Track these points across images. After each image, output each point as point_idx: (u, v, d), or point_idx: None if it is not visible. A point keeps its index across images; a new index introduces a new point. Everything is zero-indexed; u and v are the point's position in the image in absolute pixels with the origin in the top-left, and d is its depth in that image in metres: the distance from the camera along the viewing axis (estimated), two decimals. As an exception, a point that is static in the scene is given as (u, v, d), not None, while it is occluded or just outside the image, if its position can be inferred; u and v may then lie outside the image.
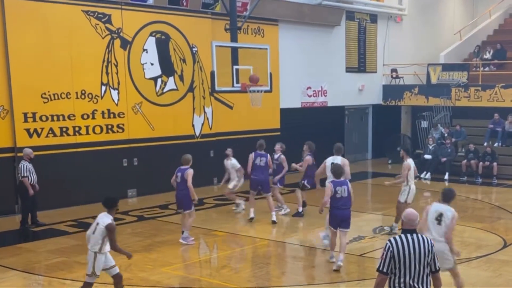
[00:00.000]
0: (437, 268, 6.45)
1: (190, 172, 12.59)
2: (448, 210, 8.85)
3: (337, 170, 11.30)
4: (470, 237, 13.78)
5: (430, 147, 22.47)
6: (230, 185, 15.56)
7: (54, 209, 15.88)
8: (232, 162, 15.60)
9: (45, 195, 15.00)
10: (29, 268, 11.38)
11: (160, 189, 17.61)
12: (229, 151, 15.88)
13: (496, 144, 22.38)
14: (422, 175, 21.53)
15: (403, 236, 6.38)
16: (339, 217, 11.12)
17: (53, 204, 15.88)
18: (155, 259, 11.88)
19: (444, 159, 21.79)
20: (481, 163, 21.24)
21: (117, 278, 9.00)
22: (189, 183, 12.49)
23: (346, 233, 11.34)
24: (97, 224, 8.85)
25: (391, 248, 6.31)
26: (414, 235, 6.38)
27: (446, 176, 21.20)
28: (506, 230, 14.41)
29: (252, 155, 14.84)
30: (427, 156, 22.23)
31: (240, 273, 11.22)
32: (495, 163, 21.02)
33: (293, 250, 13.10)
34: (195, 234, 13.42)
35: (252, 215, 14.77)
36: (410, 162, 13.54)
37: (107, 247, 8.80)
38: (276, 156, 15.41)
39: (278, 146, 15.56)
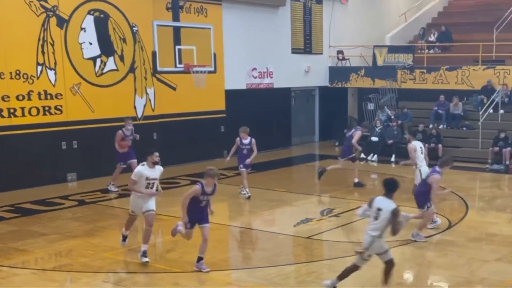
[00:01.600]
0: None
1: None
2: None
3: None
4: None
5: (377, 129, 22.83)
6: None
7: (-12, 194, 15.62)
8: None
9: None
10: (-37, 256, 11.22)
11: (101, 172, 17.48)
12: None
13: (440, 126, 22.95)
14: (369, 157, 22.11)
15: None
16: None
17: (-13, 189, 15.57)
18: (97, 244, 11.83)
19: (391, 141, 22.14)
20: (426, 145, 21.59)
21: (390, 264, 9.06)
22: None
23: None
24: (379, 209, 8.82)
25: None
26: None
27: (393, 158, 21.50)
28: (451, 211, 14.80)
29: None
30: (374, 138, 22.61)
31: (184, 257, 11.19)
32: (440, 145, 21.52)
33: (240, 233, 13.28)
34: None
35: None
36: (415, 144, 14.04)
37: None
38: (247, 141, 15.65)
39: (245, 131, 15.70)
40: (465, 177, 18.79)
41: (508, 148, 20.34)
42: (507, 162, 20.23)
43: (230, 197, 16.13)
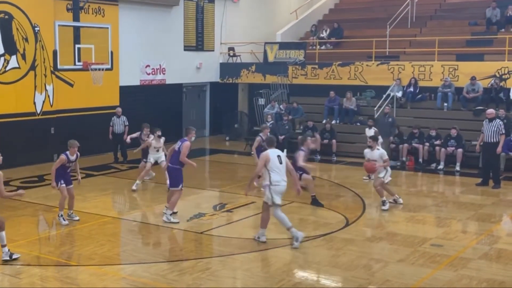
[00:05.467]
0: None
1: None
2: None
3: None
4: (310, 215, 15.21)
5: (268, 124, 24.13)
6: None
7: None
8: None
9: None
10: None
11: (1, 165, 19.91)
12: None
13: (334, 122, 25.06)
14: None
15: None
16: None
17: None
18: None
19: (282, 136, 23.57)
20: (325, 140, 23.41)
21: None
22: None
23: None
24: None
25: None
26: None
27: (285, 153, 22.60)
28: (347, 208, 15.70)
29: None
30: None
31: (80, 250, 12.24)
32: (334, 140, 23.54)
33: (133, 227, 14.29)
34: (35, 211, 14.94)
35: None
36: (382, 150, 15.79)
37: None
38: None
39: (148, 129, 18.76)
40: (360, 174, 19.46)
41: (405, 145, 21.87)
42: (403, 159, 21.90)
43: (123, 191, 17.89)
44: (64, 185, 14.10)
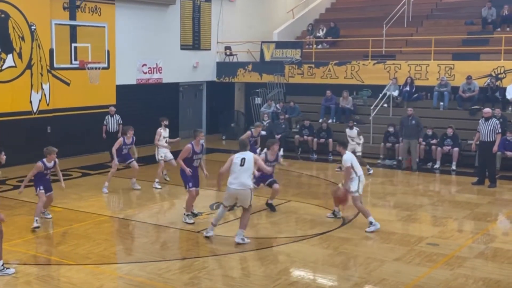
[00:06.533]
0: None
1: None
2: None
3: None
4: (306, 213, 15.20)
5: (265, 123, 24.49)
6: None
7: None
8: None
9: None
10: None
11: (-1, 165, 20.02)
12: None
13: (330, 121, 25.04)
14: (257, 151, 24.31)
15: None
16: None
17: None
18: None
19: (279, 135, 23.38)
20: (315, 139, 23.81)
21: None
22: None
23: None
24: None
25: None
26: None
27: (281, 152, 21.43)
28: (344, 207, 15.02)
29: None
30: (262, 132, 23.88)
31: (77, 249, 12.23)
32: (330, 139, 23.48)
33: (130, 226, 14.31)
34: (32, 210, 14.29)
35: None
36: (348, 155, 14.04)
37: None
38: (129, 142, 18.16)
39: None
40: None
41: (401, 144, 21.63)
42: (400, 158, 21.79)
43: (120, 190, 17.85)
44: (43, 191, 13.86)
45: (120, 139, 17.71)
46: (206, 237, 12.83)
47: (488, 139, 18.22)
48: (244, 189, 12.37)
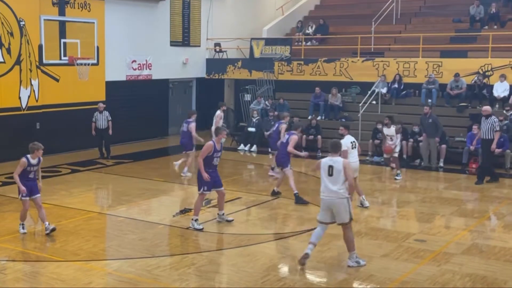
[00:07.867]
0: None
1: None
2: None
3: None
4: (295, 210, 15.21)
5: (254, 120, 25.06)
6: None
7: None
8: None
9: None
10: None
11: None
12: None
13: (319, 118, 25.00)
14: (246, 148, 24.52)
15: None
16: None
17: None
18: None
19: (268, 132, 23.07)
20: (304, 136, 23.34)
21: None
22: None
23: None
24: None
25: None
26: None
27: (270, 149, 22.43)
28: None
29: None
30: (251, 129, 25.00)
31: (66, 246, 12.25)
32: (319, 136, 23.50)
33: (119, 223, 14.23)
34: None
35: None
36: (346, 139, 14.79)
37: None
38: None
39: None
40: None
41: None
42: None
43: (109, 186, 18.08)
44: (26, 198, 12.70)
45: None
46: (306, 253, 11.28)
47: (488, 137, 18.29)
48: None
